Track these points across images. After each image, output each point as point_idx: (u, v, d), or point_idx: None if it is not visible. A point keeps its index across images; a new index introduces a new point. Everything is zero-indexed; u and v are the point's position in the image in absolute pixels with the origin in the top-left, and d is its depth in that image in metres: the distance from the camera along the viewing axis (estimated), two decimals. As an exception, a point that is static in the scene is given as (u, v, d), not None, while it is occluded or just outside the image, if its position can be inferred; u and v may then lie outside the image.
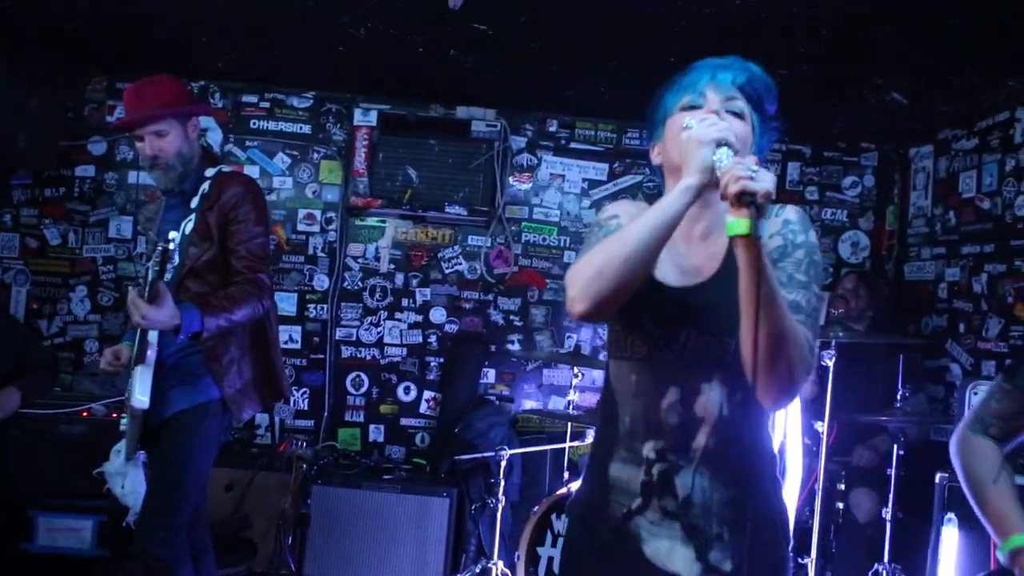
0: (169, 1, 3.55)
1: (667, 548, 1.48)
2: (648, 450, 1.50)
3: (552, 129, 4.73)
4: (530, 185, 4.70)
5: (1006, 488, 1.71)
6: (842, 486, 3.29)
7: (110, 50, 4.34)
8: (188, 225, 2.65)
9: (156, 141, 2.67)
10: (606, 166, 4.72)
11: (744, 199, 1.25)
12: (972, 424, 1.79)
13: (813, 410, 3.19)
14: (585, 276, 1.38)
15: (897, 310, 4.67)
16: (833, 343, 3.00)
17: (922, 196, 4.61)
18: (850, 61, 3.55)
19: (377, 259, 4.65)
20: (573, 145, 4.74)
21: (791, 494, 2.92)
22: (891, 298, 4.71)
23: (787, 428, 2.86)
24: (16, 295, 4.56)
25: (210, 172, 2.76)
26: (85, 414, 3.94)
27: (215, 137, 4.62)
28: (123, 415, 2.77)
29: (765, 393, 1.38)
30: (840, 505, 3.29)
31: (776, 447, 2.84)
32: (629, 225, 1.40)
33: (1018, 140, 3.84)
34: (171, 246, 2.41)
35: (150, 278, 2.43)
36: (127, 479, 2.77)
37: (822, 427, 2.97)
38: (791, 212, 1.54)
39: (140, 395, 2.57)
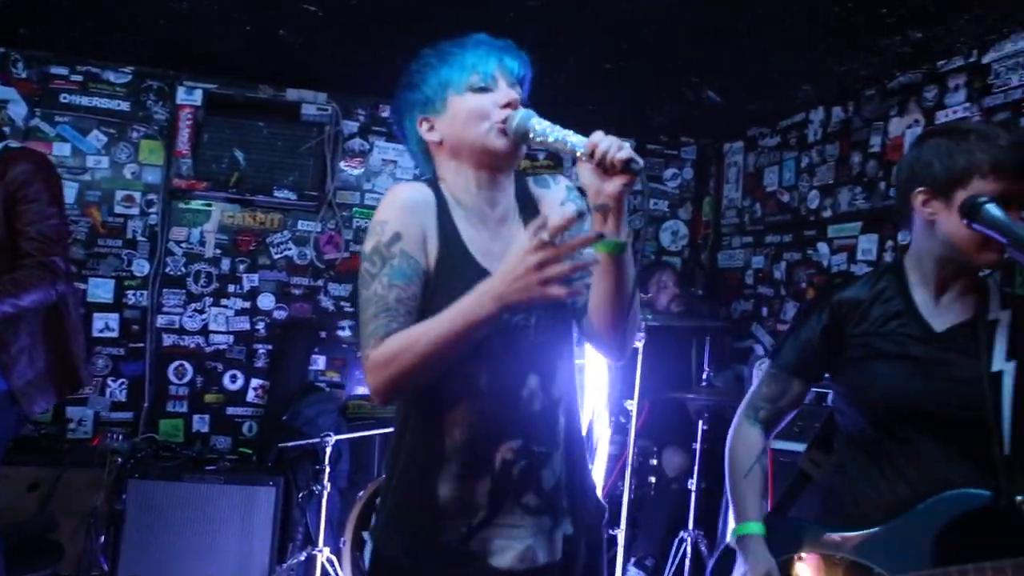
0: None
1: (526, 547, 1.42)
2: (503, 453, 1.43)
3: (385, 115, 4.71)
4: (362, 170, 4.67)
5: (754, 481, 1.84)
6: (654, 461, 3.49)
7: None
8: None
9: None
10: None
11: (632, 167, 1.29)
12: (746, 410, 1.92)
13: (624, 389, 3.36)
14: (384, 376, 1.34)
15: (710, 295, 5.00)
16: (643, 325, 3.17)
17: (734, 189, 4.94)
18: (669, 59, 3.75)
19: (202, 244, 4.48)
20: (407, 131, 4.72)
21: (599, 470, 3.07)
22: (705, 284, 5.04)
23: (595, 407, 3.00)
24: None
25: None
26: None
27: (18, 111, 4.29)
28: None
29: (620, 354, 1.50)
30: (652, 479, 3.49)
31: (584, 427, 3.00)
32: (429, 327, 1.33)
33: (811, 140, 4.19)
34: None
35: None
36: None
37: (632, 405, 3.14)
38: (564, 180, 1.65)
39: None
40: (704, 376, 3.61)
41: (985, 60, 3.16)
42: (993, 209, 1.51)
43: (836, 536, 1.72)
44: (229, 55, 4.16)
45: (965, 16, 2.99)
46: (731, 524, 1.83)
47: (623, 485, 3.21)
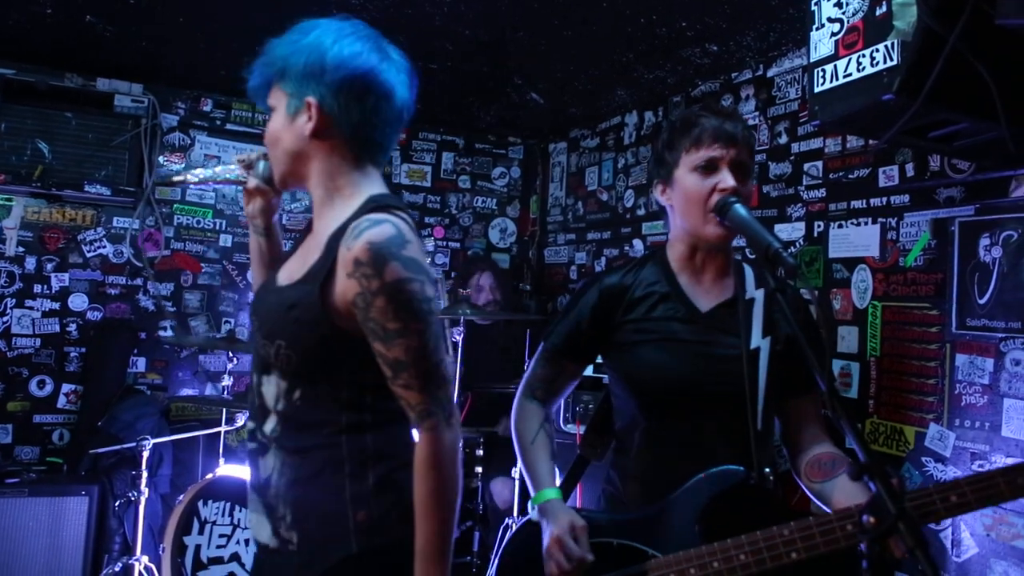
0: None
1: (256, 520, 1.55)
2: (246, 430, 1.60)
3: (207, 108, 4.58)
4: (183, 165, 4.51)
5: (542, 447, 1.89)
6: (479, 468, 3.56)
7: None
8: None
9: None
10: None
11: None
12: (524, 390, 2.00)
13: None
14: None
15: (537, 290, 5.20)
16: (462, 320, 3.28)
17: (558, 187, 5.16)
18: (493, 61, 3.87)
19: (3, 241, 4.18)
20: (229, 126, 4.62)
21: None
22: (532, 279, 5.24)
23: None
24: None
25: None
26: None
27: None
28: None
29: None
30: (479, 470, 3.56)
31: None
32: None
33: (627, 142, 4.45)
34: None
35: None
36: None
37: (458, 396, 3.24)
38: (360, 251, 1.40)
39: None
40: (526, 368, 3.75)
41: (769, 74, 3.47)
42: (739, 209, 1.70)
43: (608, 521, 1.77)
44: (29, 39, 3.91)
45: (751, 34, 3.28)
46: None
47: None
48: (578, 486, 2.29)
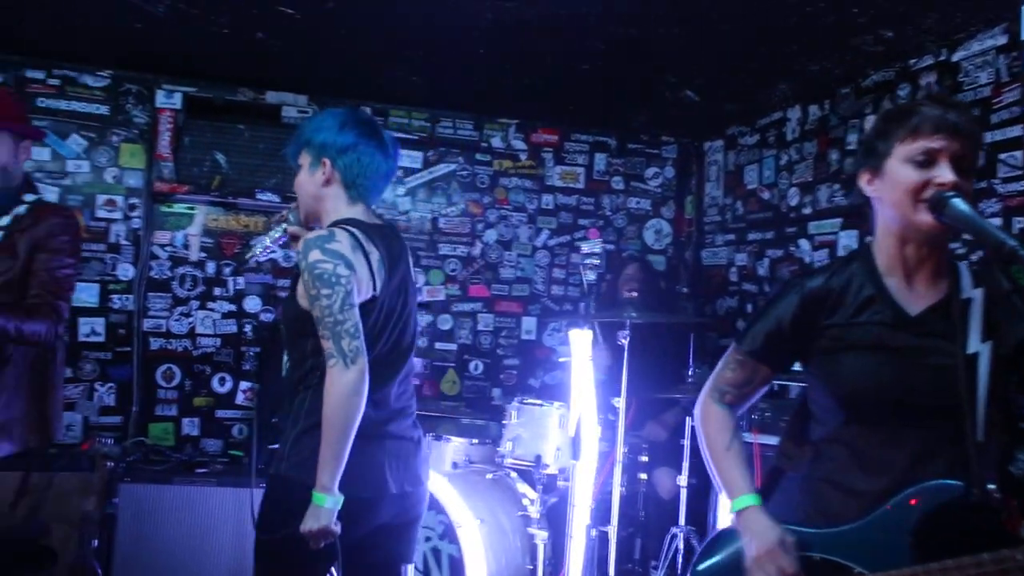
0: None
1: None
2: None
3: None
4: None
5: (737, 455, 1.82)
6: (644, 458, 3.54)
7: None
8: None
9: None
10: (420, 154, 4.79)
11: None
12: (711, 392, 1.91)
13: (611, 387, 3.42)
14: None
15: (694, 292, 5.08)
16: (627, 324, 3.23)
17: (715, 187, 5.02)
18: (646, 60, 3.81)
19: (186, 247, 4.48)
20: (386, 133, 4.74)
21: (588, 468, 3.12)
22: (689, 281, 5.12)
23: (582, 407, 3.05)
24: None
25: (29, 198, 2.67)
26: None
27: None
28: None
29: None
30: (643, 476, 3.54)
31: (572, 428, 3.05)
32: None
33: (790, 137, 4.27)
34: None
35: None
36: None
37: (619, 403, 3.20)
38: (301, 244, 2.07)
39: None
40: (690, 373, 3.67)
41: (955, 58, 3.24)
42: (959, 203, 1.56)
43: (811, 535, 1.69)
44: (208, 58, 4.17)
45: (932, 16, 3.07)
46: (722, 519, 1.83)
47: (613, 483, 3.26)
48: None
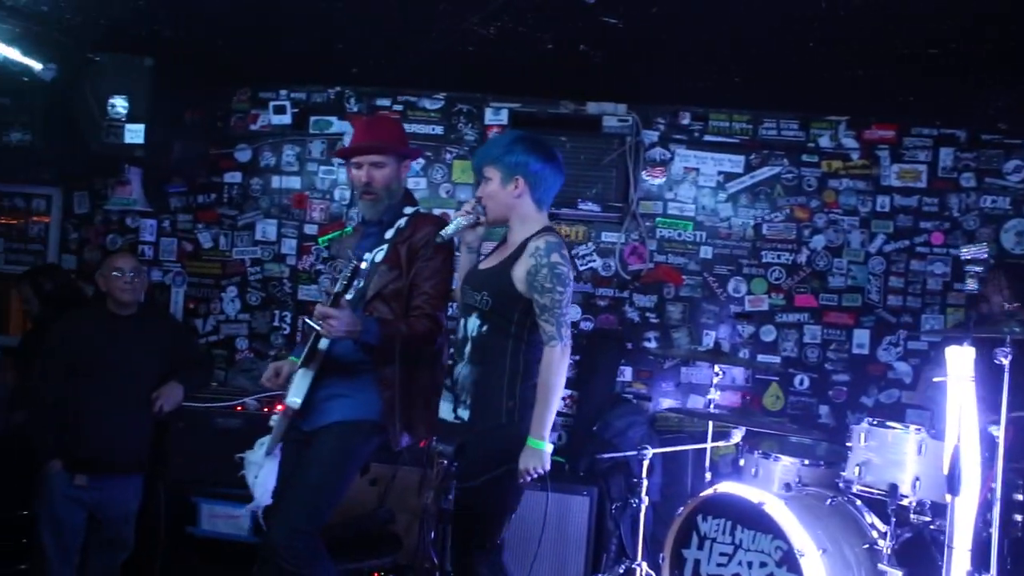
0: (307, 14, 3.67)
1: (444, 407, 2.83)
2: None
3: (685, 122, 4.63)
4: (663, 180, 4.62)
5: None
6: (1020, 496, 3.05)
7: (253, 63, 4.55)
8: (379, 254, 2.86)
9: (373, 170, 2.90)
10: (742, 158, 4.58)
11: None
12: None
13: (987, 412, 2.97)
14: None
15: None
16: (1008, 339, 2.78)
17: (1095, 179, 4.25)
18: (1005, 36, 3.30)
19: (511, 258, 4.66)
20: (707, 138, 4.62)
21: (969, 504, 2.72)
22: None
23: (961, 433, 2.67)
24: (175, 295, 4.85)
25: (408, 210, 2.98)
26: (239, 408, 4.15)
27: (347, 141, 4.76)
28: (276, 411, 2.92)
29: None
30: (1019, 517, 3.05)
31: (948, 458, 2.68)
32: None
33: None
34: (363, 266, 2.73)
35: (336, 291, 2.67)
36: (261, 471, 2.91)
37: (998, 431, 2.77)
38: (542, 242, 2.72)
39: (294, 396, 2.73)
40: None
41: None
42: None
43: None
44: (532, 73, 4.31)
45: None
46: None
47: (988, 522, 2.83)
48: None
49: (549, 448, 2.63)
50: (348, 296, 2.71)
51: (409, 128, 4.72)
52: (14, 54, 3.73)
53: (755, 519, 3.14)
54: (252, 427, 4.06)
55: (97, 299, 4.06)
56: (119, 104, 4.04)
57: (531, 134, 2.95)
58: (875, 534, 3.07)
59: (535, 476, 2.64)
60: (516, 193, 2.76)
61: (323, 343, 2.78)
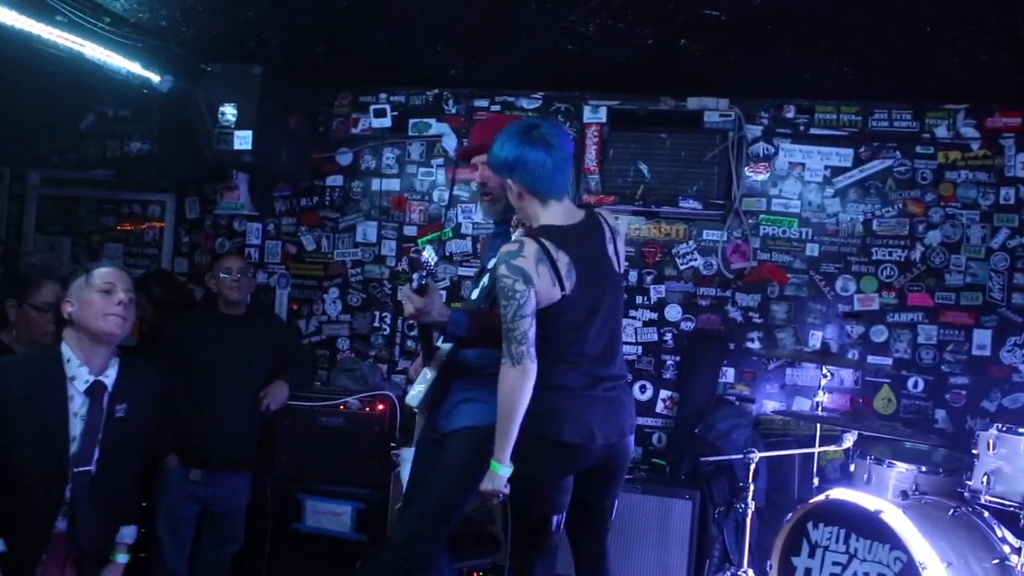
0: (405, 18, 3.71)
1: None
2: None
3: (789, 115, 4.47)
4: (767, 175, 4.47)
5: None
6: None
7: (353, 68, 4.64)
8: None
9: (485, 170, 2.82)
10: (851, 151, 4.39)
11: None
12: None
13: None
14: None
15: None
16: None
17: None
18: None
19: (612, 257, 4.61)
20: (813, 131, 4.45)
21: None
22: None
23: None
24: (279, 297, 4.99)
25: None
26: (341, 407, 4.23)
27: (450, 143, 4.80)
28: None
29: None
30: None
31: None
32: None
33: None
34: (489, 265, 2.69)
35: (472, 297, 2.74)
36: (405, 468, 2.97)
37: None
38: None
39: (412, 392, 2.73)
40: None
41: None
42: None
43: None
44: (631, 70, 4.24)
45: None
46: None
47: None
48: None
49: (506, 472, 2.45)
50: (473, 296, 2.75)
51: (506, 128, 4.72)
52: (135, 68, 3.90)
53: (872, 528, 3.01)
54: (354, 425, 4.16)
55: (207, 301, 4.22)
56: (229, 112, 4.19)
57: (516, 123, 2.63)
58: (1007, 549, 2.89)
59: (496, 501, 2.53)
60: (516, 195, 2.58)
61: (442, 344, 2.80)
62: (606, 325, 2.59)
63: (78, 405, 2.62)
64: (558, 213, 2.57)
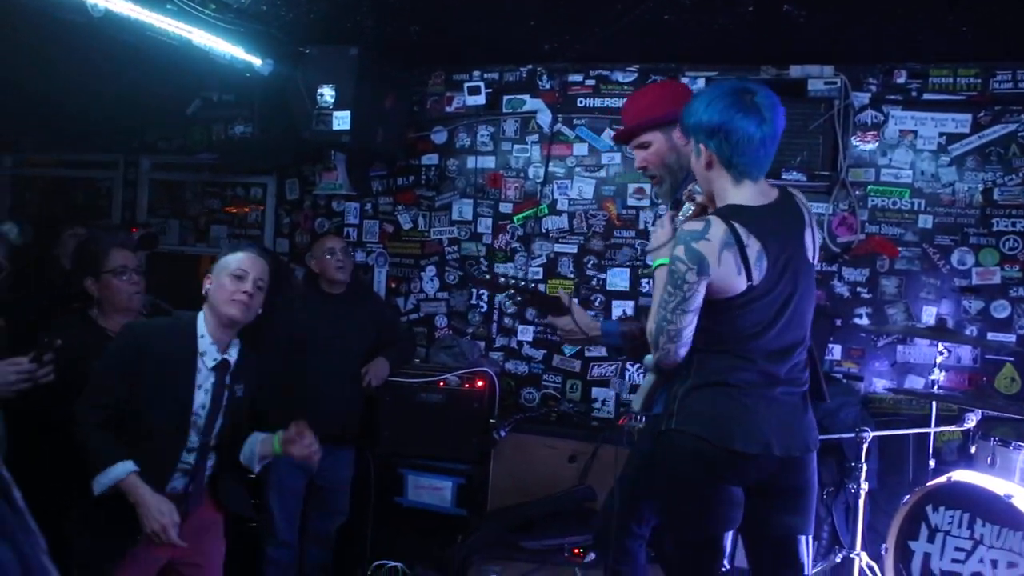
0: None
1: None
2: None
3: (900, 80, 4.26)
4: (876, 144, 4.28)
5: None
6: None
7: (446, 46, 4.64)
8: None
9: (640, 153, 2.66)
10: (968, 116, 4.15)
11: None
12: None
13: None
14: None
15: None
16: None
17: None
18: None
19: (707, 231, 4.50)
20: (926, 96, 4.22)
21: None
22: None
23: None
24: (378, 275, 5.07)
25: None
26: (441, 384, 4.27)
27: (544, 119, 4.75)
28: None
29: None
30: None
31: None
32: None
33: None
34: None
35: None
36: None
37: None
38: None
39: (635, 397, 2.66)
40: None
41: None
42: None
43: None
44: (730, 39, 4.11)
45: None
46: None
47: None
48: None
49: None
50: None
51: (602, 103, 4.67)
52: (239, 52, 3.99)
53: (1000, 513, 2.87)
54: (453, 401, 4.21)
55: (309, 280, 4.32)
56: (327, 93, 4.25)
57: (727, 83, 2.28)
58: None
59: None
60: (704, 164, 2.23)
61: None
62: (793, 322, 2.23)
63: (203, 378, 2.72)
64: (749, 194, 2.21)
